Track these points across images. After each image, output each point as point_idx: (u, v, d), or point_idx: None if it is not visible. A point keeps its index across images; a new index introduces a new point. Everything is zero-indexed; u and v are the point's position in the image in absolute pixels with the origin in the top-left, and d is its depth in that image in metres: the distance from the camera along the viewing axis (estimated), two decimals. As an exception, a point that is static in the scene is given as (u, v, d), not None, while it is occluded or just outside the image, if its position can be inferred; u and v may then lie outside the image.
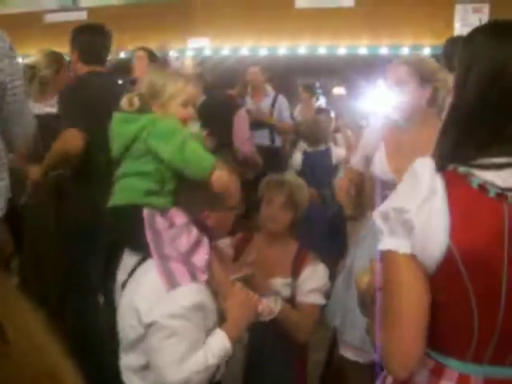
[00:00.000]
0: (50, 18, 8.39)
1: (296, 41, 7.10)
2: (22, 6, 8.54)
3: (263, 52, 7.12)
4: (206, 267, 1.93)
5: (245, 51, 7.21)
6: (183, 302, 1.86)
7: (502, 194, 1.16)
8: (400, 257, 1.21)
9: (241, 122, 4.88)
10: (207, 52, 7.44)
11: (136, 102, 2.06)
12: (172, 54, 7.56)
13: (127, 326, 1.98)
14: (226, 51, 7.33)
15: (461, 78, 1.22)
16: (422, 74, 2.43)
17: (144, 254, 1.99)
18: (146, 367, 1.95)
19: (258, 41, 7.22)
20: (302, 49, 7.05)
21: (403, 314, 1.22)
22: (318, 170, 5.18)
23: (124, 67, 4.68)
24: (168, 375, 1.84)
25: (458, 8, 6.32)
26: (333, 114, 7.00)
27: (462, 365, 1.26)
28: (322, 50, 6.96)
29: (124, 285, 2.04)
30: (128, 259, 2.08)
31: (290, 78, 6.49)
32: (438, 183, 1.19)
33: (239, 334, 2.01)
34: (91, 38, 3.18)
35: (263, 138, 5.65)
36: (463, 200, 1.19)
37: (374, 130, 2.80)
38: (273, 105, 5.77)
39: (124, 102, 2.10)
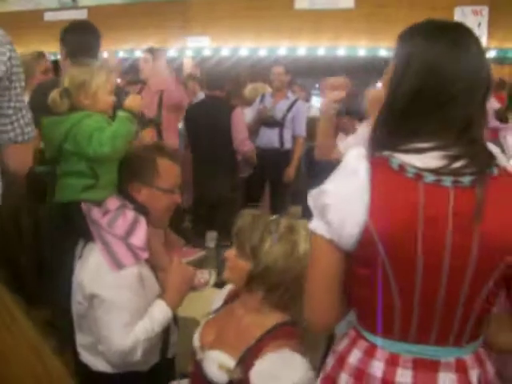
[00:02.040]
0: (49, 16, 8.40)
1: (295, 41, 7.12)
2: (22, 4, 8.54)
3: (263, 52, 7.14)
4: (145, 245, 2.05)
5: (244, 51, 7.22)
6: (124, 273, 1.99)
7: (419, 173, 1.23)
8: (316, 237, 1.34)
9: (238, 122, 4.90)
10: (207, 51, 7.45)
11: (64, 102, 2.19)
12: (172, 52, 7.60)
13: (76, 302, 2.10)
14: (225, 51, 7.35)
15: (397, 72, 1.31)
16: None
17: (88, 238, 2.10)
18: (95, 343, 2.06)
19: (257, 41, 7.23)
20: (302, 50, 7.06)
21: (317, 283, 1.38)
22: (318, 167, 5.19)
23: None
24: (114, 343, 1.95)
25: (457, 10, 6.34)
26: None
27: (391, 343, 1.33)
28: (321, 51, 6.98)
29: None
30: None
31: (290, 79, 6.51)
32: (362, 166, 1.27)
33: (178, 303, 2.16)
34: (79, 36, 3.16)
35: (273, 140, 5.65)
36: (383, 180, 1.26)
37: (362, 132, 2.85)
38: (289, 109, 5.74)
39: (51, 103, 2.19)
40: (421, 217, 1.22)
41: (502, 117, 3.47)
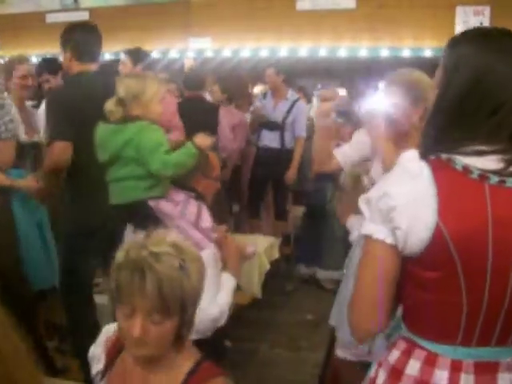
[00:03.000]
0: (51, 18, 8.40)
1: (297, 42, 7.11)
2: (23, 6, 8.54)
3: (264, 53, 7.13)
4: (212, 226, 2.41)
5: (246, 52, 7.22)
6: (203, 254, 2.09)
7: (483, 174, 1.24)
8: (373, 242, 1.32)
9: (223, 121, 4.89)
10: (208, 52, 7.45)
11: (119, 110, 2.47)
12: (174, 53, 7.59)
13: None
14: (227, 52, 7.34)
15: (447, 76, 1.33)
16: (415, 95, 2.47)
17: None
18: None
19: (258, 42, 7.23)
20: (303, 50, 7.06)
21: (369, 289, 1.34)
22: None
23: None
24: (206, 312, 2.18)
25: (459, 10, 6.32)
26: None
27: (453, 350, 1.32)
28: (322, 52, 6.97)
29: None
30: None
31: (290, 79, 6.50)
32: (423, 168, 1.28)
33: (239, 272, 2.50)
34: (84, 36, 3.16)
35: (273, 140, 5.66)
36: (449, 181, 1.26)
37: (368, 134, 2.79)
38: (289, 110, 5.74)
39: (107, 111, 2.48)
40: (490, 218, 1.23)
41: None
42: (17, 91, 3.34)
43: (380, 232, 1.30)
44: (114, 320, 1.47)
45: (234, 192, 5.88)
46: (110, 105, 2.48)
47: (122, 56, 4.71)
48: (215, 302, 2.26)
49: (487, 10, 6.27)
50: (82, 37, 3.13)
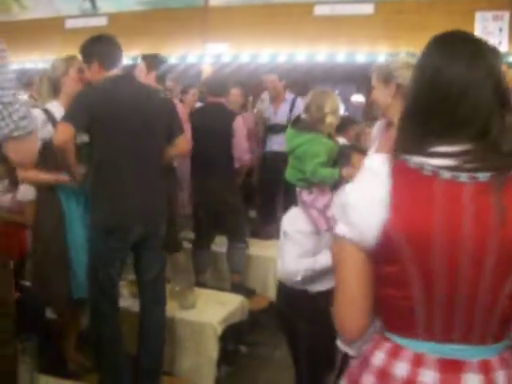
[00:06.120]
0: (70, 23, 8.48)
1: (314, 47, 7.11)
2: (43, 12, 8.63)
3: (282, 58, 7.14)
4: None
5: (263, 57, 7.23)
6: (305, 227, 2.90)
7: (435, 170, 1.28)
8: (339, 240, 1.38)
9: (240, 130, 4.88)
10: (226, 58, 7.47)
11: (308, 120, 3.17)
12: (191, 59, 7.63)
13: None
14: (244, 57, 7.36)
15: (412, 81, 1.41)
16: (383, 75, 2.74)
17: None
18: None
19: (276, 47, 7.24)
20: (321, 56, 7.06)
21: (345, 286, 1.39)
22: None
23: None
24: (284, 265, 2.88)
25: (478, 15, 6.29)
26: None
27: (415, 343, 1.35)
28: (340, 57, 6.96)
29: None
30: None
31: (308, 85, 6.50)
32: (383, 167, 1.33)
33: None
34: (107, 46, 3.25)
35: (280, 144, 5.67)
36: (402, 177, 1.31)
37: (373, 133, 3.06)
38: (291, 109, 5.77)
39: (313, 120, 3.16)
40: (439, 212, 1.26)
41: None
42: (73, 86, 3.37)
43: (341, 229, 1.36)
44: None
45: (249, 197, 5.89)
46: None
47: (139, 61, 4.74)
48: (295, 260, 2.82)
49: (506, 15, 6.23)
50: (105, 48, 3.22)
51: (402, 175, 1.31)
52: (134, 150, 3.15)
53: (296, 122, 3.33)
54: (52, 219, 3.31)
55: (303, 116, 3.24)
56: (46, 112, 3.29)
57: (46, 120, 3.26)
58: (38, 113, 3.21)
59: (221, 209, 4.80)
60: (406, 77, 2.63)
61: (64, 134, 3.00)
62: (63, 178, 3.27)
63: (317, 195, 2.97)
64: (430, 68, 1.34)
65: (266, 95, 6.14)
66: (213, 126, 4.72)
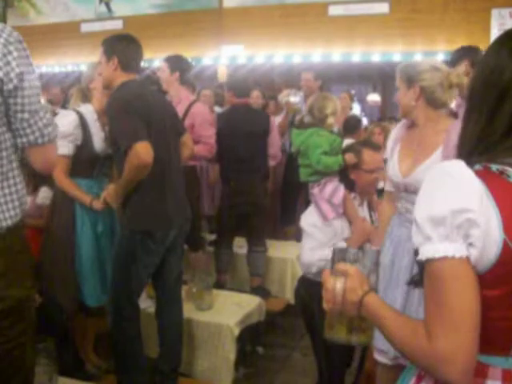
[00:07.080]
0: (86, 27, 8.55)
1: (330, 48, 7.10)
2: (59, 16, 8.70)
3: (297, 59, 7.13)
4: (341, 203, 3.06)
5: (279, 58, 7.22)
6: (316, 219, 3.05)
7: None
8: (456, 261, 1.20)
9: (275, 129, 4.89)
10: (241, 59, 7.48)
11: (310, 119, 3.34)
12: (207, 60, 7.65)
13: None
14: (259, 58, 7.36)
15: (472, 78, 1.34)
16: (408, 77, 2.73)
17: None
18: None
19: (291, 48, 7.23)
20: (336, 55, 7.04)
21: (466, 314, 1.21)
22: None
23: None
24: (301, 256, 3.07)
25: (495, 13, 6.23)
26: (366, 121, 6.96)
27: (505, 360, 1.29)
28: (355, 57, 6.94)
29: None
30: None
31: (323, 84, 6.48)
32: (477, 181, 1.20)
33: (356, 244, 2.98)
34: (130, 47, 3.23)
35: None
36: (505, 193, 1.21)
37: (393, 133, 3.00)
38: None
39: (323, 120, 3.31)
40: None
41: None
42: (102, 95, 3.35)
43: (460, 250, 1.20)
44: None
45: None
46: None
47: (161, 63, 4.75)
48: (311, 251, 2.97)
49: (523, 13, 6.18)
50: (127, 48, 3.20)
51: (499, 189, 1.21)
52: (170, 153, 3.18)
53: (300, 124, 3.47)
54: (64, 221, 3.30)
55: (306, 118, 3.40)
56: (78, 113, 3.29)
57: (79, 123, 3.24)
58: (72, 116, 3.25)
59: (248, 210, 4.78)
60: (430, 80, 2.65)
61: (150, 152, 2.96)
62: (97, 204, 3.23)
63: (324, 185, 3.17)
64: (498, 67, 1.28)
65: (283, 95, 6.10)
66: (249, 126, 4.68)
